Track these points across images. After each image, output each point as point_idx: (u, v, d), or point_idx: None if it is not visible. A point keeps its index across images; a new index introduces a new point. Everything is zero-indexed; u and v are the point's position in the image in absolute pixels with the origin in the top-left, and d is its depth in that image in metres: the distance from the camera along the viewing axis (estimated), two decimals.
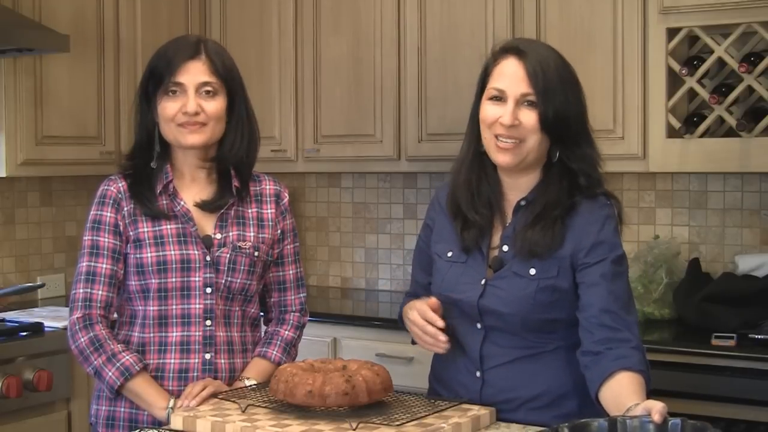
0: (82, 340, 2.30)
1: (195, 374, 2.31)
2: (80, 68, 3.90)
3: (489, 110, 2.15)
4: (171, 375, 2.31)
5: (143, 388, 2.28)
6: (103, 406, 2.36)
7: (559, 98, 2.12)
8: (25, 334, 3.41)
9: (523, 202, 2.20)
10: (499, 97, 2.14)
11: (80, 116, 3.92)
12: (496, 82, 2.16)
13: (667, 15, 3.33)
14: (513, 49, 2.17)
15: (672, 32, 3.34)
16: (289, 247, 2.48)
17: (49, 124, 3.79)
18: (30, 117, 3.72)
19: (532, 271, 2.13)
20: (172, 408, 2.21)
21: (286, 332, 2.47)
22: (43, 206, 4.22)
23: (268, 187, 2.48)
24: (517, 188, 2.21)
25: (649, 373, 2.06)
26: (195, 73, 2.31)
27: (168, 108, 2.31)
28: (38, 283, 3.99)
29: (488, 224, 2.21)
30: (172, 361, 2.31)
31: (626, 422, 1.75)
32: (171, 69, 2.30)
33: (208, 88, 2.32)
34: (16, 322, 3.51)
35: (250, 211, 2.42)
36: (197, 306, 2.31)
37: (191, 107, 2.29)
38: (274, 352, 2.43)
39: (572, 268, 2.13)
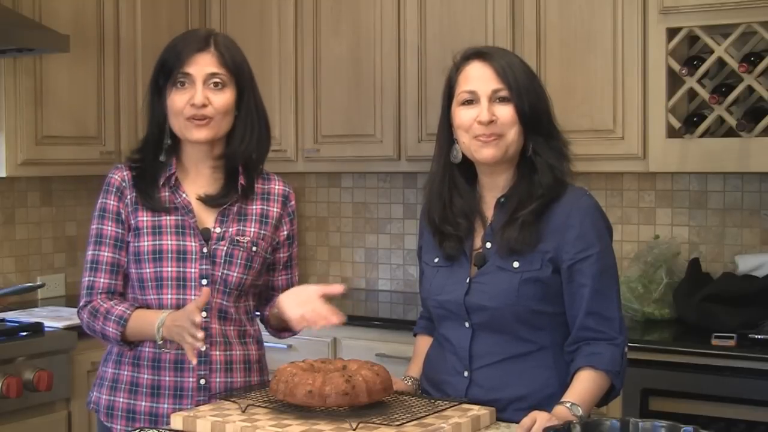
0: (85, 318, 2.36)
1: (190, 365, 2.31)
2: (80, 68, 3.90)
3: (463, 114, 2.19)
4: (167, 366, 2.32)
5: (138, 322, 2.29)
6: (103, 394, 2.38)
7: (531, 91, 2.18)
8: (25, 334, 3.40)
9: (502, 200, 2.22)
10: (471, 100, 2.19)
11: (80, 116, 3.92)
12: (464, 86, 2.20)
13: (667, 15, 3.32)
14: (475, 54, 2.23)
15: (672, 32, 3.34)
16: (294, 250, 2.52)
17: (49, 124, 3.79)
18: (30, 117, 3.72)
19: (516, 264, 2.15)
20: (162, 321, 2.23)
21: None
22: (43, 206, 4.22)
23: (276, 186, 2.49)
24: (495, 187, 2.24)
25: (621, 371, 2.13)
26: (203, 65, 2.31)
27: (176, 100, 2.31)
28: (38, 283, 3.99)
29: (467, 231, 2.24)
30: (168, 353, 2.33)
31: (638, 424, 1.79)
32: (180, 61, 2.31)
33: (216, 80, 2.32)
34: (16, 322, 3.51)
35: (253, 207, 2.42)
36: (192, 297, 2.30)
37: (198, 99, 2.29)
38: None
39: (556, 262, 2.15)
